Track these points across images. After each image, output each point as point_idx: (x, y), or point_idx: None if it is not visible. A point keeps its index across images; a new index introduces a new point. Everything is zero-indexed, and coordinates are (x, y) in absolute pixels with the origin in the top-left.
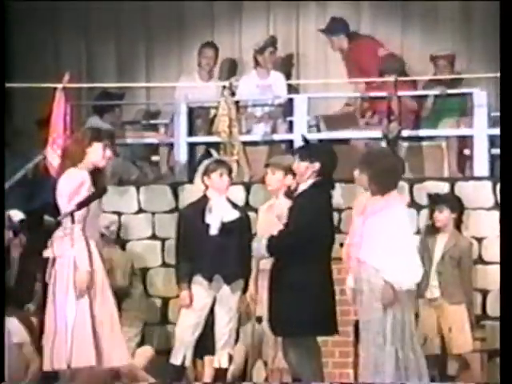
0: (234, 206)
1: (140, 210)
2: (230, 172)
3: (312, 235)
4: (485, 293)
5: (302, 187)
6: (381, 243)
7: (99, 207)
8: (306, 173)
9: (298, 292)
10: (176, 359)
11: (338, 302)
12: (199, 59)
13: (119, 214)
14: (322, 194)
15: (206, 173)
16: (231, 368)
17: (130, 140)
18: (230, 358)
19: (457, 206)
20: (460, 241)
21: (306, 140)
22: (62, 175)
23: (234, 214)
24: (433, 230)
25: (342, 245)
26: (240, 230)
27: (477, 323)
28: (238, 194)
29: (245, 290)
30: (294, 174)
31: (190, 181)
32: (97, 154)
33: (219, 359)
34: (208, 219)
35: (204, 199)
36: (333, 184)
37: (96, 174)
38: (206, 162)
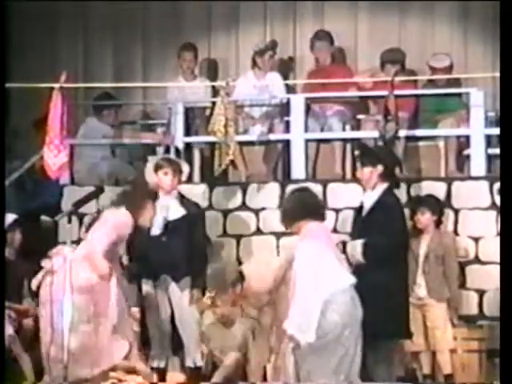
0: (190, 203)
1: None
2: (178, 171)
3: (400, 240)
4: (481, 293)
5: (375, 194)
6: (295, 285)
7: None
8: (372, 178)
9: (383, 296)
10: (157, 362)
11: None
12: (180, 62)
13: None
14: (396, 198)
15: (156, 170)
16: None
17: (126, 140)
18: (203, 356)
19: (437, 207)
20: (443, 239)
21: (363, 145)
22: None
23: (179, 213)
24: (415, 231)
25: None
26: (187, 227)
27: (473, 323)
28: (236, 194)
29: (193, 286)
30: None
31: (187, 181)
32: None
33: (192, 358)
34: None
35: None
36: (398, 183)
37: None
38: (154, 159)
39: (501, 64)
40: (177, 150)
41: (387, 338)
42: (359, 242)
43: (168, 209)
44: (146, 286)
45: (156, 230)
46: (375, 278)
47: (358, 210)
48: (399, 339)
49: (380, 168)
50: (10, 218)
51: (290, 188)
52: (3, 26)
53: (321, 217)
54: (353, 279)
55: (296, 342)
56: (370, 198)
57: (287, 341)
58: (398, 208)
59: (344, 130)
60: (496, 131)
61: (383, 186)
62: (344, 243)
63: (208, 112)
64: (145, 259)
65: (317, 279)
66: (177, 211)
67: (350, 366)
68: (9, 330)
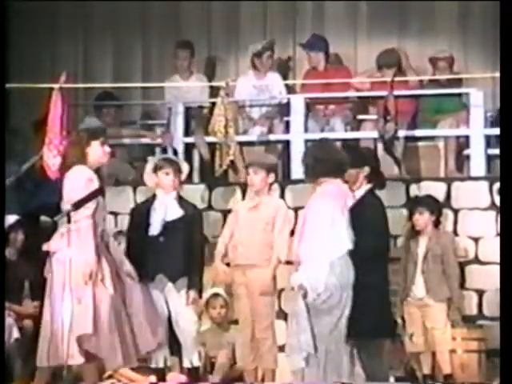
0: (188, 204)
1: (134, 211)
2: (178, 171)
3: (382, 240)
4: (481, 293)
5: (357, 195)
6: (308, 238)
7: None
8: (358, 179)
9: (370, 295)
10: (155, 362)
11: None
12: (175, 61)
13: (116, 214)
14: (378, 199)
15: (155, 171)
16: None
17: (126, 140)
18: (200, 357)
19: (436, 208)
20: (441, 238)
21: (349, 146)
22: (66, 174)
23: (177, 213)
24: (413, 232)
25: None
26: (185, 228)
27: (473, 323)
28: (235, 194)
29: (190, 287)
30: (276, 173)
31: (186, 181)
32: (97, 152)
33: (190, 358)
34: (151, 219)
35: (152, 198)
36: (384, 183)
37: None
38: (154, 160)
39: (501, 64)
40: (175, 151)
41: (372, 337)
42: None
43: (167, 209)
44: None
45: (154, 231)
46: (357, 278)
47: None
48: (384, 339)
49: (366, 169)
50: (11, 218)
51: (311, 144)
52: (3, 26)
53: (341, 174)
54: (350, 245)
55: (304, 290)
56: (351, 199)
57: (297, 292)
58: (381, 209)
59: (346, 130)
60: (496, 131)
61: (365, 187)
62: None
63: (206, 111)
64: (142, 259)
65: (328, 239)
66: (175, 212)
67: (341, 328)
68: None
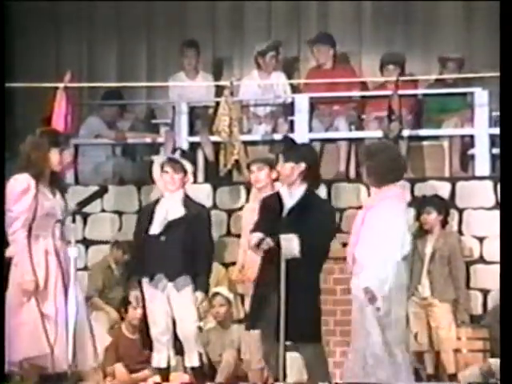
0: (194, 204)
1: (141, 210)
2: (181, 171)
3: (328, 238)
4: (485, 292)
5: (297, 194)
6: (371, 240)
7: (54, 206)
8: (292, 174)
9: (314, 295)
10: (158, 362)
11: (340, 301)
12: (182, 59)
13: (120, 213)
14: (322, 199)
15: (162, 170)
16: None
17: (130, 140)
18: (201, 357)
19: (443, 207)
20: (448, 239)
21: (290, 141)
22: (9, 180)
23: (179, 213)
24: (421, 231)
25: (344, 245)
26: (187, 227)
27: (478, 323)
28: (240, 193)
29: (196, 288)
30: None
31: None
32: (54, 158)
33: (190, 359)
34: (154, 218)
35: (160, 197)
36: (319, 184)
37: (53, 177)
38: (159, 160)
39: (501, 64)
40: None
41: (300, 340)
42: (295, 236)
43: (169, 209)
44: (147, 286)
45: (154, 230)
46: (296, 276)
47: (279, 209)
48: (314, 341)
49: (302, 165)
50: None
51: (379, 148)
52: (3, 26)
53: (402, 176)
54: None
55: (372, 294)
56: (290, 198)
57: (363, 295)
58: (326, 209)
59: (350, 130)
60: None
61: (303, 186)
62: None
63: (211, 111)
64: (144, 259)
65: (395, 241)
66: (177, 211)
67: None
68: None
